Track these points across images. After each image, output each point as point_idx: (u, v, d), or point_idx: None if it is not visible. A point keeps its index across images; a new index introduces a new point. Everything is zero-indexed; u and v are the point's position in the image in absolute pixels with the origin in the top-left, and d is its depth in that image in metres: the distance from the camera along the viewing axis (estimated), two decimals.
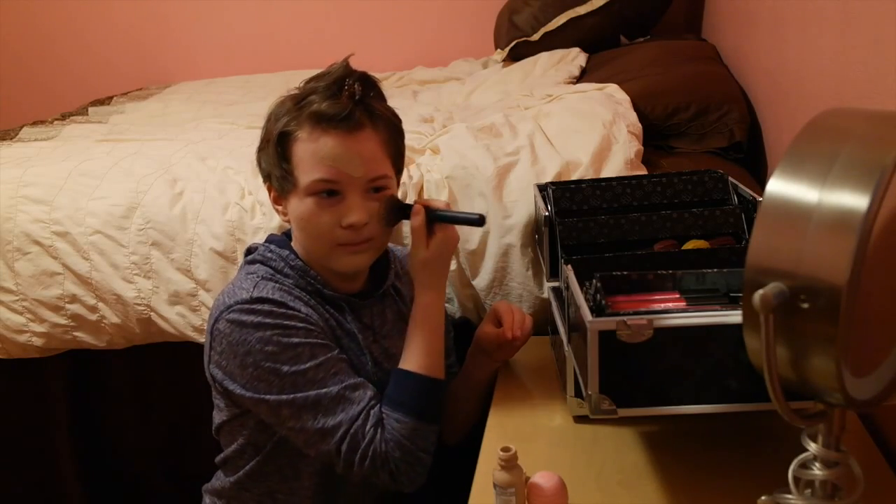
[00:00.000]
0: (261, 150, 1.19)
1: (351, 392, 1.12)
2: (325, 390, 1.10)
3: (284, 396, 1.09)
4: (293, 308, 1.12)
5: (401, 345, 1.24)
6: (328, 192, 1.13)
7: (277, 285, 1.14)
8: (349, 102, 1.11)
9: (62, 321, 1.63)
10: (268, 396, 1.10)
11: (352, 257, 1.16)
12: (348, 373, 1.14)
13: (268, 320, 1.10)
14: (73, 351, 1.68)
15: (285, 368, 1.09)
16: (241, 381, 1.12)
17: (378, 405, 1.13)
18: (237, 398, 1.15)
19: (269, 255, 1.19)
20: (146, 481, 1.77)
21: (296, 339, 1.10)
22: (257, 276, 1.15)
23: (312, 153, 1.12)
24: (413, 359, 1.16)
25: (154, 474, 1.76)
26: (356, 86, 1.12)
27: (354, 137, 1.12)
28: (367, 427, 1.10)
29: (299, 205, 1.14)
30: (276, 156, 1.15)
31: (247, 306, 1.11)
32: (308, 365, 1.10)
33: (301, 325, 1.11)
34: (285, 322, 1.11)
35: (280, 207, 1.20)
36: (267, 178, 1.20)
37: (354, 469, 1.11)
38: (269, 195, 1.21)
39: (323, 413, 1.10)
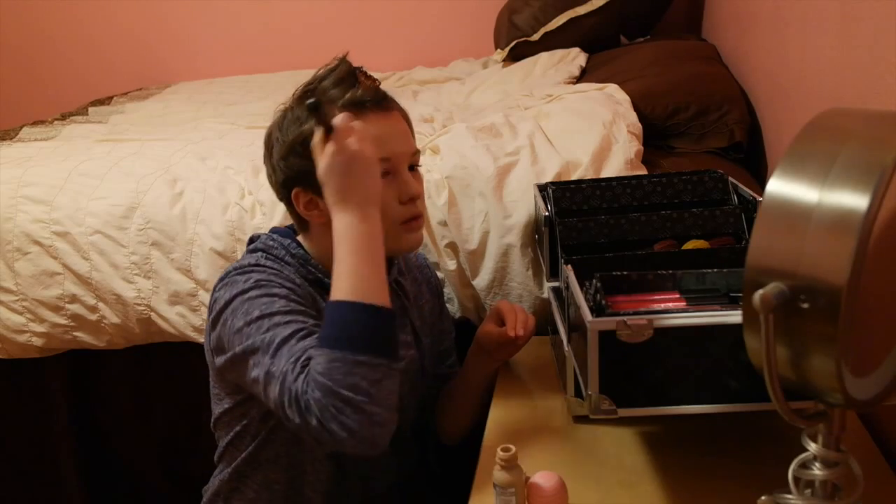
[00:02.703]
0: (284, 157, 1.14)
1: (305, 334, 1.03)
2: (280, 329, 1.03)
3: (249, 342, 1.05)
4: (285, 276, 1.12)
5: (403, 338, 1.24)
6: (383, 174, 1.11)
7: (273, 268, 1.15)
8: (375, 86, 1.13)
9: (62, 321, 1.63)
10: (237, 348, 1.06)
11: (416, 234, 1.17)
12: (312, 328, 1.05)
13: (256, 276, 1.10)
14: (73, 351, 1.68)
15: (255, 313, 1.06)
16: (224, 342, 1.09)
17: None
18: (226, 371, 1.13)
19: (271, 243, 1.19)
20: (146, 481, 1.77)
21: (276, 290, 1.08)
22: (260, 257, 1.16)
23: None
24: (335, 287, 1.01)
25: (154, 474, 1.76)
26: (369, 76, 1.14)
27: (392, 116, 1.15)
28: (297, 367, 0.98)
29: None
30: (310, 154, 1.10)
31: (241, 270, 1.12)
32: (276, 309, 1.05)
33: (288, 284, 1.10)
34: (271, 278, 1.10)
35: (315, 212, 1.14)
36: (298, 182, 1.14)
37: (291, 422, 0.98)
38: (298, 202, 1.15)
39: (272, 353, 1.02)
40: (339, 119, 1.03)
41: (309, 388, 0.95)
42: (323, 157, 1.03)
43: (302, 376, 0.97)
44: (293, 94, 1.17)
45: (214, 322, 1.12)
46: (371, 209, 1.03)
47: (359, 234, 1.01)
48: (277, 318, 1.04)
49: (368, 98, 1.12)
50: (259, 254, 1.17)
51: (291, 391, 0.96)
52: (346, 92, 1.12)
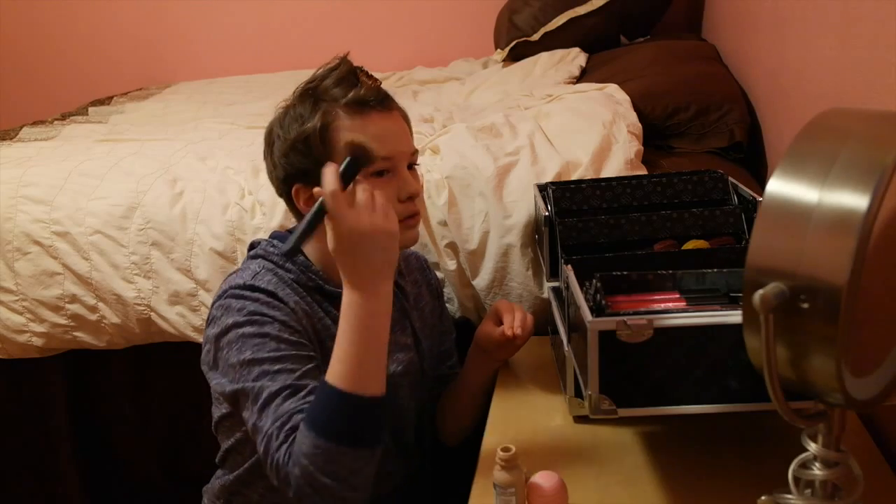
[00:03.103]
0: (285, 154, 1.15)
1: (291, 392, 1.03)
2: (268, 382, 1.04)
3: (239, 386, 1.06)
4: (281, 300, 1.11)
5: (402, 340, 1.24)
6: (379, 172, 1.13)
7: (276, 278, 1.15)
8: (377, 86, 1.14)
9: (62, 321, 1.63)
10: (228, 386, 1.08)
11: (412, 231, 1.17)
12: (305, 374, 1.05)
13: (251, 306, 1.10)
14: (73, 351, 1.68)
15: (247, 355, 1.06)
16: (219, 364, 1.11)
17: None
18: (214, 391, 1.15)
19: (272, 249, 1.19)
20: (146, 481, 1.77)
21: (268, 329, 1.08)
22: (258, 268, 1.16)
23: (362, 136, 1.12)
24: (332, 368, 1.01)
25: (154, 474, 1.76)
26: (370, 76, 1.15)
27: (393, 116, 1.16)
28: (282, 434, 1.00)
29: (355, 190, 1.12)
30: (317, 150, 1.12)
31: (238, 291, 1.12)
32: (266, 355, 1.06)
33: (281, 317, 1.10)
34: (265, 311, 1.09)
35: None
36: (299, 178, 1.15)
37: (271, 478, 1.01)
38: (298, 199, 1.16)
39: (259, 409, 1.03)
40: (361, 192, 0.99)
41: (290, 463, 0.98)
42: (334, 230, 0.99)
43: (285, 447, 0.99)
44: (294, 92, 1.17)
45: (208, 337, 1.13)
46: (382, 286, 1.01)
47: (362, 315, 1.00)
48: (266, 367, 1.05)
49: (372, 97, 1.13)
50: (259, 260, 1.17)
51: (274, 459, 0.99)
52: (347, 91, 1.13)
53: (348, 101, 1.12)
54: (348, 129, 1.12)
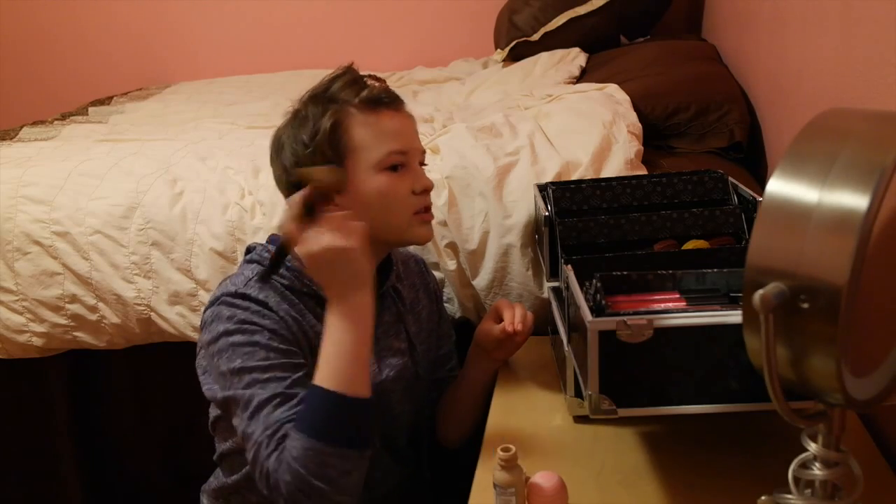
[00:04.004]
0: (296, 157, 1.15)
1: (281, 401, 1.04)
2: (258, 390, 1.05)
3: (230, 393, 1.08)
4: (272, 310, 1.12)
5: (395, 345, 1.24)
6: (394, 166, 1.16)
7: (268, 285, 1.15)
8: (386, 87, 1.17)
9: (62, 321, 1.63)
10: (219, 393, 1.11)
11: (427, 227, 1.20)
12: (295, 383, 1.07)
13: (241, 315, 1.11)
14: (73, 351, 1.68)
15: (237, 363, 1.08)
16: (209, 371, 1.13)
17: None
18: (209, 396, 1.16)
19: (267, 255, 1.19)
20: (146, 481, 1.77)
21: (257, 337, 1.09)
22: (252, 273, 1.16)
23: (377, 131, 1.15)
24: (319, 371, 1.03)
25: (154, 474, 1.76)
26: (376, 78, 1.18)
27: (404, 115, 1.20)
28: (272, 443, 1.01)
29: (370, 183, 1.14)
30: (331, 147, 1.13)
31: (230, 299, 1.12)
32: (256, 363, 1.07)
33: (271, 326, 1.10)
34: (255, 319, 1.10)
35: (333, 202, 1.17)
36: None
37: (263, 489, 1.02)
38: None
39: (248, 416, 1.05)
40: (312, 220, 1.01)
41: (280, 469, 0.99)
42: (302, 252, 1.02)
43: (275, 454, 1.01)
44: (300, 99, 1.19)
45: (202, 343, 1.15)
46: (358, 295, 1.03)
47: (342, 325, 1.03)
48: (256, 375, 1.07)
49: (384, 96, 1.17)
50: (254, 266, 1.18)
51: (264, 468, 1.01)
52: (358, 92, 1.16)
53: (362, 99, 1.15)
54: (362, 125, 1.14)
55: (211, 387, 1.14)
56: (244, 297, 1.12)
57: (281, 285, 1.15)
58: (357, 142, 1.14)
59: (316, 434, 0.99)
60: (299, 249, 1.02)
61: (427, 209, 1.20)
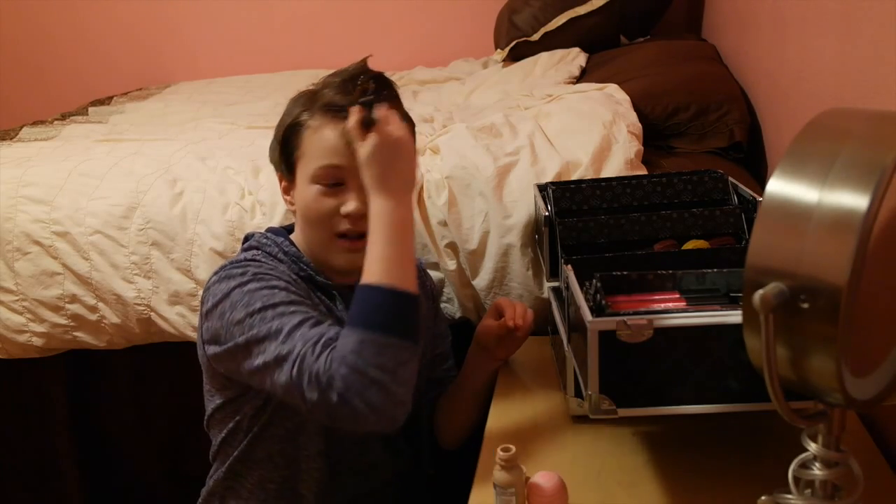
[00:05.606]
0: (274, 139, 1.22)
1: (315, 322, 1.05)
2: (287, 318, 1.05)
3: (253, 332, 1.06)
4: (281, 270, 1.14)
5: None
6: (332, 183, 1.15)
7: (269, 264, 1.16)
8: (360, 97, 1.13)
9: (62, 321, 1.63)
10: (240, 338, 1.07)
11: (349, 255, 1.16)
12: (319, 317, 1.07)
13: (253, 269, 1.12)
14: (73, 351, 1.68)
15: (258, 305, 1.07)
16: (221, 333, 1.10)
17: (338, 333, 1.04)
18: (218, 362, 1.14)
19: (265, 241, 1.21)
20: (146, 481, 1.77)
21: (274, 283, 1.10)
22: (252, 257, 1.17)
23: (319, 141, 1.15)
24: (368, 270, 1.04)
25: (154, 474, 1.76)
26: (370, 83, 1.14)
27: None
28: (318, 348, 1.01)
29: (304, 192, 1.17)
30: (286, 144, 1.19)
31: (237, 264, 1.14)
32: (279, 300, 1.07)
33: (285, 277, 1.12)
34: (269, 272, 1.12)
35: (288, 197, 1.22)
36: (278, 167, 1.23)
37: (307, 400, 1.00)
38: (280, 185, 1.24)
39: (282, 340, 1.03)
40: (381, 109, 1.06)
41: (334, 365, 0.98)
42: (364, 145, 1.05)
43: (325, 355, 0.99)
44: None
45: (209, 313, 1.12)
46: (408, 196, 1.06)
47: (394, 220, 1.04)
48: (282, 308, 1.06)
49: (340, 104, 1.15)
50: (254, 251, 1.19)
51: (312, 370, 0.99)
52: (337, 93, 1.16)
53: (321, 104, 1.15)
54: (312, 130, 1.16)
55: (222, 347, 1.10)
56: (249, 260, 1.15)
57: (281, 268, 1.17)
58: (304, 147, 1.16)
59: (371, 326, 0.99)
60: (370, 142, 1.04)
61: (356, 236, 1.15)
